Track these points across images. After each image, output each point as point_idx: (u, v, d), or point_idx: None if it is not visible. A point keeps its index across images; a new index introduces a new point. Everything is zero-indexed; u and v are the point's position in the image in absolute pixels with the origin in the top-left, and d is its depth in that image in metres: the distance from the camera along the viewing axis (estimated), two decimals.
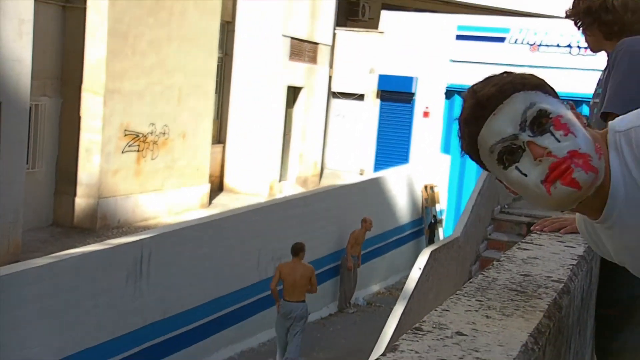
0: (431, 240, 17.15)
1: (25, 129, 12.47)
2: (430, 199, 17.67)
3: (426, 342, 1.51)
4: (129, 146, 15.20)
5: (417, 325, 1.62)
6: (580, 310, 2.45)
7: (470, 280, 2.08)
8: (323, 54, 21.70)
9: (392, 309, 8.35)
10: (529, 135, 1.46)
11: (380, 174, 16.55)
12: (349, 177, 20.34)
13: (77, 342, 8.21)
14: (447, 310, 1.74)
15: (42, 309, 7.77)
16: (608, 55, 2.77)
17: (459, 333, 1.58)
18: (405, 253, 16.44)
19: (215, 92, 18.58)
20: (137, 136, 15.39)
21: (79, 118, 14.43)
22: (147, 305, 9.23)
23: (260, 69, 19.47)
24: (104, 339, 8.53)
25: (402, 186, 16.58)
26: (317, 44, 21.28)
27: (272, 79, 19.59)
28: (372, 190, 15.30)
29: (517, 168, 1.49)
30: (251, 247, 11.33)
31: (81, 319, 8.27)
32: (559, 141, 1.45)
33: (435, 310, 1.75)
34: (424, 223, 17.59)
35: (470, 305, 1.78)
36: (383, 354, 1.44)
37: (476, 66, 20.31)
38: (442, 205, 18.39)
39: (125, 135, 15.07)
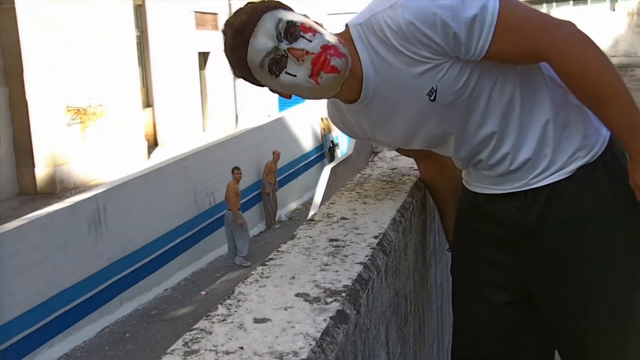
0: (332, 160, 17.32)
1: None
2: (327, 128, 17.78)
3: (318, 228, 1.56)
4: (73, 119, 14.60)
5: (309, 217, 1.67)
6: None
7: (351, 179, 2.14)
8: (223, 21, 21.12)
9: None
10: (287, 44, 1.45)
11: (283, 113, 16.50)
12: (259, 120, 20.18)
13: (55, 286, 8.05)
14: (333, 203, 1.80)
15: (21, 264, 7.55)
16: None
17: (343, 218, 1.63)
18: (314, 174, 16.57)
19: (139, 65, 17.90)
20: (79, 110, 14.78)
21: (26, 101, 13.73)
22: (108, 247, 9.08)
23: (173, 40, 18.86)
24: (77, 280, 8.38)
25: (303, 121, 16.61)
26: (216, 14, 20.72)
27: (184, 47, 19.03)
28: (279, 128, 15.29)
29: (286, 73, 1.46)
30: (188, 188, 11.22)
31: (56, 266, 8.08)
32: (310, 41, 1.45)
33: (324, 204, 1.80)
34: (325, 148, 17.74)
35: (351, 197, 1.84)
36: (284, 243, 1.48)
37: None
38: (336, 132, 18.54)
39: (68, 110, 14.45)
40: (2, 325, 7.17)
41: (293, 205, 15.35)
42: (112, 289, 9.01)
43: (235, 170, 11.52)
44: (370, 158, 10.36)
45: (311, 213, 8.03)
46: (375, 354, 1.29)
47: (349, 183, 2.05)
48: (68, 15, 14.34)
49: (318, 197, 7.82)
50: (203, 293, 9.91)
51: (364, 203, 1.77)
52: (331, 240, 1.46)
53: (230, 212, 11.25)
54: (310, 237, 1.49)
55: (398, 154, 2.49)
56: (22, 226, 7.69)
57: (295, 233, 1.53)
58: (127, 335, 8.46)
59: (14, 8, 13.34)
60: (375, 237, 1.47)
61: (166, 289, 10.19)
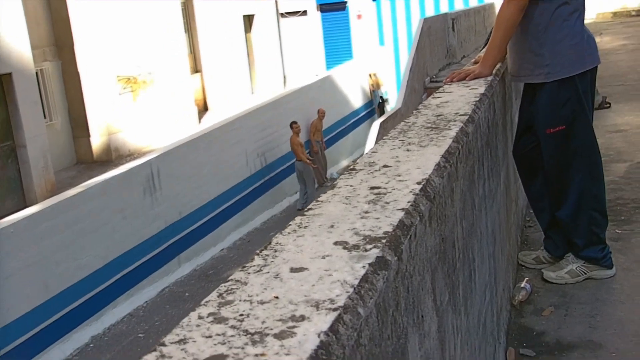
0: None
1: (36, 91, 12.11)
2: (375, 84, 17.57)
3: (359, 177, 1.50)
4: (124, 88, 14.83)
5: (351, 166, 1.61)
6: (487, 136, 2.46)
7: (395, 127, 2.06)
8: None
9: None
10: None
11: (331, 71, 16.34)
12: (307, 79, 20.09)
13: (116, 248, 8.28)
14: (375, 152, 1.74)
15: (81, 229, 7.78)
16: None
17: (385, 165, 1.57)
18: (363, 131, 16.44)
19: (185, 31, 17.97)
20: (129, 79, 14.99)
21: (78, 74, 13.99)
22: (164, 210, 9.26)
23: (218, 4, 18.81)
24: (136, 242, 8.60)
25: (350, 78, 16.43)
26: None
27: (228, 11, 18.97)
28: (328, 86, 15.16)
29: None
30: (239, 150, 11.30)
31: (115, 230, 8.30)
32: None
33: (366, 153, 1.74)
34: (374, 104, 17.55)
35: (394, 145, 1.78)
36: (323, 192, 1.43)
37: None
38: (385, 87, 18.29)
39: (119, 80, 14.67)
40: (69, 288, 7.45)
41: (344, 162, 15.31)
42: (170, 251, 9.23)
43: (294, 124, 12.15)
44: (427, 79, 10.14)
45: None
46: (420, 300, 1.24)
47: (392, 131, 1.99)
48: None
49: (369, 147, 7.77)
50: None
51: (407, 150, 1.71)
52: (372, 188, 1.41)
53: (300, 162, 11.98)
54: (351, 185, 1.44)
55: (442, 101, 2.39)
56: (81, 193, 7.89)
57: (336, 182, 1.48)
58: (187, 294, 8.68)
59: None
60: (418, 183, 1.40)
61: (222, 249, 10.38)
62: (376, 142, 8.20)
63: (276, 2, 21.64)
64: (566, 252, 2.99)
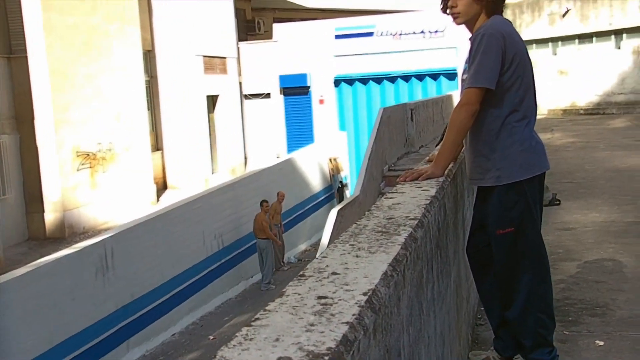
0: (341, 201, 17.30)
1: None
2: (335, 168, 17.82)
3: (307, 285, 1.53)
4: (82, 164, 14.75)
5: (301, 272, 1.65)
6: (437, 238, 2.53)
7: (347, 230, 2.12)
8: (231, 64, 21.47)
9: None
10: None
11: (292, 154, 16.57)
12: (268, 161, 20.28)
13: (63, 332, 8.00)
14: (326, 256, 1.78)
15: (28, 310, 7.52)
16: (470, 39, 2.85)
17: (334, 273, 1.61)
18: (322, 215, 16.52)
19: (148, 109, 18.15)
20: (88, 155, 14.94)
21: (36, 147, 13.90)
22: (116, 292, 9.04)
23: (182, 84, 19.12)
24: (84, 325, 8.33)
25: (311, 162, 16.66)
26: (224, 57, 21.03)
27: (192, 91, 19.28)
28: (288, 169, 15.32)
29: None
30: (196, 231, 11.21)
31: (63, 313, 8.05)
32: None
33: (317, 258, 1.78)
34: (333, 189, 17.73)
35: (345, 250, 1.82)
36: (272, 301, 1.46)
37: (355, 58, 20.54)
38: (345, 172, 18.57)
39: (78, 155, 14.61)
40: None
41: (302, 246, 15.28)
42: (119, 335, 8.95)
43: (264, 202, 12.53)
44: (377, 199, 10.34)
45: (318, 255, 8.01)
46: None
47: (343, 234, 2.04)
48: (76, 62, 14.60)
49: (325, 240, 7.79)
50: (211, 337, 9.82)
51: (357, 257, 1.75)
52: (320, 297, 1.44)
53: (264, 240, 12.23)
54: (299, 294, 1.47)
55: (394, 202, 2.46)
56: (30, 272, 7.68)
57: (284, 290, 1.51)
58: None
59: (26, 57, 13.62)
60: (364, 294, 1.45)
61: (174, 334, 10.11)
62: (333, 229, 8.26)
63: (240, 84, 22.11)
64: (515, 354, 3.02)
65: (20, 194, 14.05)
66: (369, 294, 1.44)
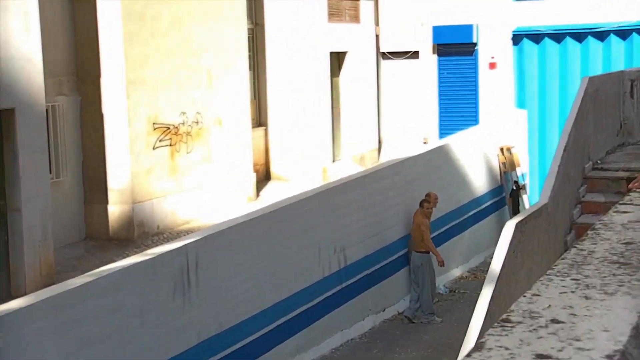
0: (515, 210, 16.90)
1: (44, 135, 12.68)
2: (509, 163, 17.44)
3: (517, 335, 1.48)
4: (160, 141, 15.37)
5: (504, 316, 1.59)
6: None
7: (563, 256, 2.03)
8: (366, 10, 21.57)
9: (478, 294, 8.29)
10: None
11: (446, 140, 16.40)
12: (412, 148, 20.19)
13: None
14: (538, 294, 1.71)
15: (83, 334, 7.90)
16: None
17: (554, 321, 1.55)
18: (487, 228, 16.26)
19: (250, 69, 18.62)
20: (168, 128, 15.55)
21: (101, 116, 14.63)
22: (200, 318, 9.31)
23: (297, 36, 19.44)
24: None
25: (473, 152, 16.39)
26: (357, 0, 21.15)
27: (311, 46, 19.56)
28: (440, 160, 15.16)
29: None
30: (310, 241, 11.33)
31: (128, 342, 8.39)
32: None
33: (524, 296, 1.72)
34: (505, 191, 17.37)
35: (565, 286, 1.75)
36: (468, 355, 1.41)
37: (544, 3, 20.00)
38: (523, 168, 18.15)
39: (155, 129, 15.24)
40: None
41: (456, 271, 15.11)
42: None
43: (427, 202, 12.91)
44: (576, 210, 10.00)
45: (487, 287, 7.85)
46: None
47: (559, 263, 1.96)
48: (160, 2, 15.19)
49: (496, 266, 7.63)
50: None
51: (586, 298, 1.68)
52: (539, 357, 1.38)
53: (420, 255, 12.60)
54: (507, 349, 1.42)
55: (631, 219, 2.34)
56: (86, 285, 8.07)
57: (484, 340, 1.46)
58: None
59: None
60: (609, 357, 1.37)
61: None
62: (509, 251, 8.07)
63: (377, 37, 22.19)
64: None
65: (77, 178, 14.83)
66: (616, 358, 1.36)
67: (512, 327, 1.54)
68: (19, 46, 11.97)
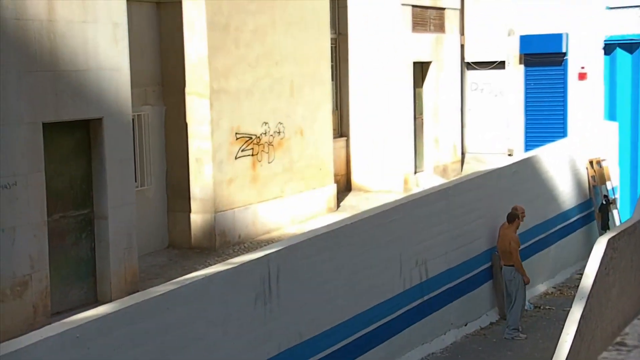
0: (604, 225, 16.53)
1: (131, 144, 12.88)
2: (599, 176, 17.07)
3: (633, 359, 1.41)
4: (242, 151, 15.50)
5: (619, 339, 1.52)
6: None
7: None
8: (451, 20, 21.42)
9: (565, 311, 8.09)
10: None
11: (533, 152, 16.11)
12: (496, 160, 19.93)
13: None
14: None
15: (167, 342, 7.99)
16: None
17: None
18: (575, 243, 15.94)
19: (332, 79, 18.66)
20: (250, 138, 15.67)
21: (185, 125, 14.83)
22: (280, 328, 9.32)
23: (381, 46, 19.43)
24: None
25: (561, 164, 16.08)
26: (443, 9, 21.04)
27: (395, 55, 19.50)
28: (526, 173, 14.91)
29: None
30: (391, 253, 11.26)
31: (210, 350, 8.45)
32: None
33: (639, 319, 1.64)
34: (594, 205, 17.00)
35: None
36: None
37: (638, 10, 19.55)
38: (614, 182, 17.75)
39: (237, 138, 15.38)
40: None
41: (541, 287, 14.83)
42: None
43: (516, 213, 12.78)
44: None
45: (577, 305, 7.65)
46: None
47: None
48: (244, 12, 15.36)
49: (587, 282, 7.43)
50: None
51: None
52: None
53: (507, 268, 12.61)
54: None
55: None
56: (169, 293, 8.14)
57: None
58: None
59: (180, 3, 14.59)
60: None
61: None
62: (599, 268, 7.84)
63: (462, 47, 22.02)
64: None
65: (161, 186, 15.06)
66: None
67: (628, 351, 1.47)
68: (108, 56, 12.20)
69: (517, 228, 12.84)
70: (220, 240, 14.82)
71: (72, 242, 12.01)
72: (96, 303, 11.74)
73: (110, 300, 10.82)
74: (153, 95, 14.92)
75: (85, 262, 12.21)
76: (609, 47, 20.19)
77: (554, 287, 15.02)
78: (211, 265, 11.29)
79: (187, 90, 14.76)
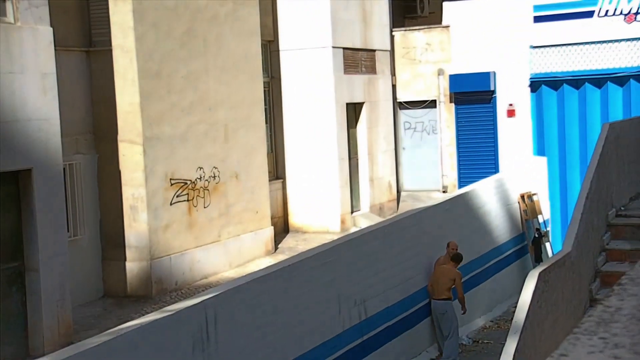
0: (538, 258, 16.78)
1: (62, 194, 12.67)
2: (530, 210, 17.34)
3: None
4: (178, 196, 15.39)
5: None
6: None
7: (589, 313, 1.96)
8: (382, 61, 21.68)
9: (502, 344, 8.14)
10: None
11: (467, 189, 16.32)
12: (431, 197, 20.13)
13: None
14: (565, 355, 1.64)
15: None
16: None
17: None
18: (510, 277, 16.11)
19: (266, 122, 18.69)
20: (185, 183, 15.57)
21: (118, 173, 14.69)
22: None
23: (314, 88, 19.55)
24: None
25: (495, 199, 16.30)
26: (373, 51, 21.29)
27: (328, 97, 19.64)
28: (460, 209, 15.07)
29: None
30: (329, 294, 11.23)
31: None
32: None
33: (551, 357, 1.64)
34: (527, 239, 17.25)
35: (593, 346, 1.68)
36: None
37: (562, 49, 20.04)
38: (545, 215, 18.03)
39: (172, 184, 15.27)
40: None
41: (479, 321, 14.93)
42: None
43: (451, 243, 13.17)
44: (600, 258, 9.86)
45: (511, 339, 7.71)
46: None
47: (584, 320, 1.88)
48: (175, 59, 15.33)
49: (520, 316, 7.50)
50: None
51: (615, 358, 1.60)
52: None
53: (440, 302, 12.78)
54: None
55: None
56: (104, 344, 7.99)
57: None
58: None
59: (110, 51, 14.51)
60: None
61: None
62: (532, 301, 7.93)
63: (394, 87, 22.29)
64: None
65: (95, 235, 14.85)
66: None
67: None
68: (37, 107, 12.03)
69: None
70: (157, 287, 14.63)
71: (2, 296, 11.71)
72: (27, 358, 11.47)
73: (43, 354, 10.57)
74: (85, 143, 14.75)
75: (16, 316, 11.91)
76: (534, 85, 20.65)
77: (492, 321, 15.14)
78: (147, 313, 11.12)
79: (119, 137, 14.63)
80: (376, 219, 19.60)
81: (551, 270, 8.37)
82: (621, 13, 19.73)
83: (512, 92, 20.99)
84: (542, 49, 20.28)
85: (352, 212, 20.28)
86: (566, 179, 20.04)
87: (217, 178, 16.39)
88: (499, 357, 7.82)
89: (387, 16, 21.91)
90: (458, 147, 21.95)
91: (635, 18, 19.59)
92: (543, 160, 19.28)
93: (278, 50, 19.72)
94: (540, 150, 20.38)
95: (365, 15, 20.82)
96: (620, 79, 19.73)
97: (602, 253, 10.32)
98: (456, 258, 13.13)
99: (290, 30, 19.58)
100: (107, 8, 14.50)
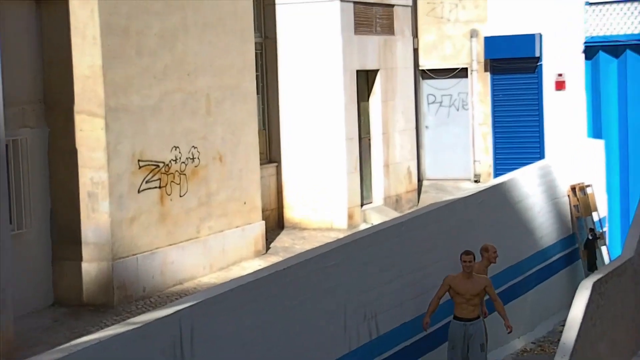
0: (592, 264, 16.74)
1: (4, 177, 12.61)
2: (583, 206, 17.30)
3: None
4: (147, 182, 15.32)
5: None
6: None
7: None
8: (401, 18, 21.60)
9: None
10: None
11: (503, 178, 16.30)
12: (460, 188, 20.09)
13: None
14: None
15: None
16: None
17: None
18: (557, 288, 16.11)
19: (258, 93, 18.62)
20: (157, 166, 15.51)
21: (75, 152, 14.61)
22: None
23: (317, 51, 19.49)
24: None
25: (538, 192, 16.28)
26: (391, 6, 21.21)
27: (334, 63, 19.57)
28: (495, 203, 15.06)
29: None
30: (333, 305, 11.23)
31: None
32: None
33: None
34: (578, 241, 17.23)
35: None
36: None
37: (626, 7, 19.97)
38: (601, 212, 18.00)
39: (141, 167, 15.21)
40: None
41: (518, 342, 14.93)
42: None
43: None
44: None
45: None
46: None
47: None
48: (148, 13, 15.27)
49: (570, 335, 7.49)
50: None
51: None
52: None
53: (472, 325, 12.23)
54: None
55: None
56: None
57: None
58: None
59: (66, 1, 14.42)
60: None
61: None
62: (585, 317, 7.90)
63: (416, 51, 22.22)
64: None
65: (45, 229, 14.77)
66: None
67: None
68: None
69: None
70: (120, 294, 14.58)
71: None
72: None
73: None
74: (33, 115, 14.67)
75: None
76: (590, 50, 20.56)
77: (533, 343, 15.13)
78: (108, 326, 11.07)
79: (76, 108, 14.56)
80: (391, 214, 19.57)
81: (608, 280, 8.33)
82: None
83: (562, 60, 20.92)
84: (600, 6, 20.22)
85: (362, 205, 20.27)
86: (628, 167, 19.98)
87: (196, 160, 16.33)
88: None
89: None
90: (494, 127, 21.90)
91: None
92: (600, 144, 19.24)
93: (274, 4, 19.66)
94: (596, 131, 20.34)
95: None
96: None
97: None
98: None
99: None
100: None
